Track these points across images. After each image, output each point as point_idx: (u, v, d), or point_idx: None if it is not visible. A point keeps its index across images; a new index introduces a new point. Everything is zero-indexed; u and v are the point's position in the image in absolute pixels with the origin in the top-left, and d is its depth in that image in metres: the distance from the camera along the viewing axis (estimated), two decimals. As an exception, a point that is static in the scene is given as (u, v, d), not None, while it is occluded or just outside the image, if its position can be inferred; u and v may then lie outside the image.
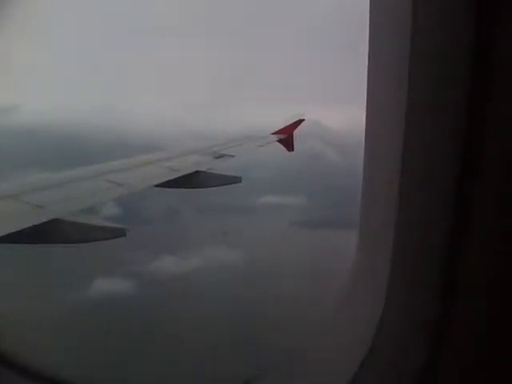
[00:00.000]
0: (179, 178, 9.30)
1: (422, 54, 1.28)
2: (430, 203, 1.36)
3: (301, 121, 14.26)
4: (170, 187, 9.20)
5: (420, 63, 1.28)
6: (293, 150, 13.91)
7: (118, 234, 7.61)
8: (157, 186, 8.96)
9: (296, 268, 20.59)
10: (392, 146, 1.39)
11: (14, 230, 5.95)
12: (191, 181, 9.53)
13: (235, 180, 10.59)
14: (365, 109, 1.62)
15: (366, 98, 1.61)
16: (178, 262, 22.65)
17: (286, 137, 13.78)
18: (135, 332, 16.55)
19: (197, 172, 9.70)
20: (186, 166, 9.77)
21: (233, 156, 11.20)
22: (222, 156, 10.99)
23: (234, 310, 17.79)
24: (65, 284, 19.37)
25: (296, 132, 14.00)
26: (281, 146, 13.78)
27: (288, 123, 14.09)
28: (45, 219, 6.55)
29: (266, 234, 25.59)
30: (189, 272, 21.81)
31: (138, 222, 25.80)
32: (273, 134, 13.92)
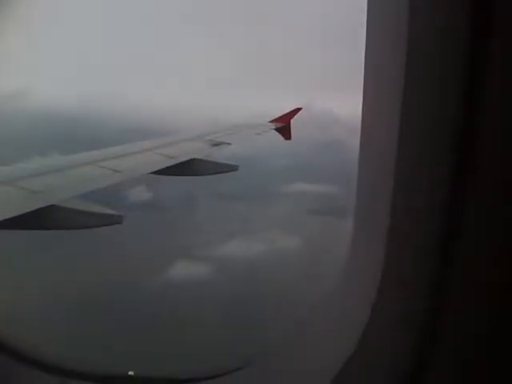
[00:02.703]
0: (175, 165, 9.29)
1: (418, 53, 1.28)
2: (424, 200, 1.37)
3: (299, 109, 14.25)
4: (166, 174, 9.20)
5: (416, 63, 1.29)
6: (290, 138, 13.89)
7: (114, 220, 7.63)
8: (153, 173, 8.96)
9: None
10: (387, 142, 1.40)
11: (9, 216, 5.98)
12: (188, 168, 9.51)
13: (232, 168, 10.57)
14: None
15: (362, 98, 1.61)
16: (245, 246, 22.70)
17: (284, 125, 13.76)
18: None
19: (193, 159, 9.69)
20: (182, 154, 9.74)
21: (229, 144, 11.19)
22: (219, 144, 10.97)
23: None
24: (138, 268, 19.50)
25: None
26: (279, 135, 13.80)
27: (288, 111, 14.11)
28: (41, 205, 6.57)
29: (298, 221, 25.56)
30: (256, 256, 21.92)
31: (167, 207, 26.00)
32: (270, 122, 13.90)
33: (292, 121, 13.94)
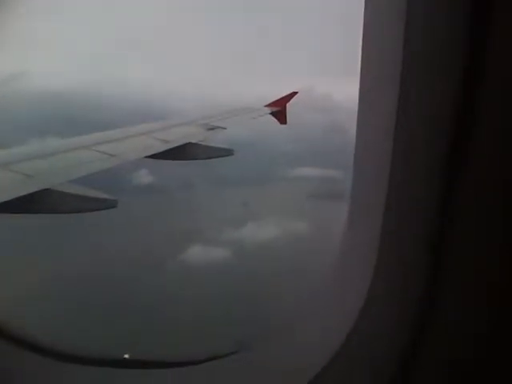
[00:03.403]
0: (171, 149, 9.27)
1: (418, 52, 1.28)
2: (418, 189, 1.37)
3: (294, 93, 14.20)
4: (161, 159, 9.18)
5: (413, 63, 1.29)
6: (286, 122, 13.86)
7: (108, 204, 7.62)
8: (148, 157, 8.94)
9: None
10: (385, 141, 1.39)
11: (3, 200, 5.95)
12: (183, 153, 9.49)
13: (227, 153, 10.55)
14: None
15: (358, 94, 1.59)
16: (259, 231, 22.53)
17: (280, 109, 13.72)
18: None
19: (188, 144, 9.67)
20: (177, 138, 9.72)
21: (224, 128, 11.15)
22: (214, 128, 10.93)
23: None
24: (158, 251, 19.45)
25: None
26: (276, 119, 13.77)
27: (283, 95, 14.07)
28: (35, 189, 6.55)
29: (307, 205, 25.48)
30: (270, 240, 21.65)
31: (172, 192, 25.94)
32: (266, 106, 13.85)
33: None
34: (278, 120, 13.70)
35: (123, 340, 12.52)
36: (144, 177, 23.83)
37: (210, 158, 10.14)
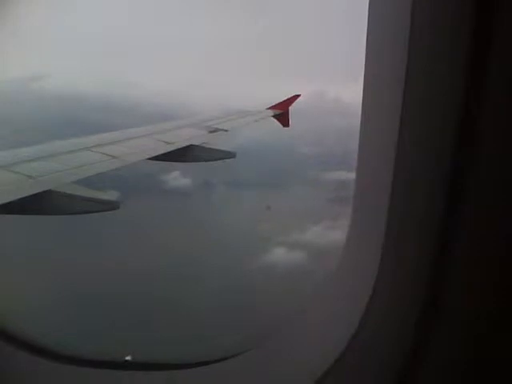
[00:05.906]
0: (173, 151, 9.30)
1: (419, 51, 1.28)
2: (421, 190, 1.37)
3: (297, 96, 14.22)
4: (164, 160, 9.21)
5: (417, 61, 1.29)
6: (288, 125, 13.88)
7: (110, 206, 7.64)
8: (150, 159, 8.96)
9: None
10: (387, 140, 1.40)
11: (5, 201, 5.95)
12: (185, 155, 9.54)
13: (229, 155, 10.59)
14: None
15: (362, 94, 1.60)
16: (324, 234, 22.32)
17: (282, 112, 13.74)
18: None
19: (191, 146, 9.69)
20: (180, 140, 9.76)
21: (226, 130, 11.18)
22: (216, 130, 10.96)
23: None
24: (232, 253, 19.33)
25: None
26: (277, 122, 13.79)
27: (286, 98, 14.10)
28: (37, 190, 6.55)
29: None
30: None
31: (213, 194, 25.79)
32: (269, 108, 13.87)
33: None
34: (281, 123, 13.73)
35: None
36: (176, 179, 23.61)
37: (212, 160, 10.18)
